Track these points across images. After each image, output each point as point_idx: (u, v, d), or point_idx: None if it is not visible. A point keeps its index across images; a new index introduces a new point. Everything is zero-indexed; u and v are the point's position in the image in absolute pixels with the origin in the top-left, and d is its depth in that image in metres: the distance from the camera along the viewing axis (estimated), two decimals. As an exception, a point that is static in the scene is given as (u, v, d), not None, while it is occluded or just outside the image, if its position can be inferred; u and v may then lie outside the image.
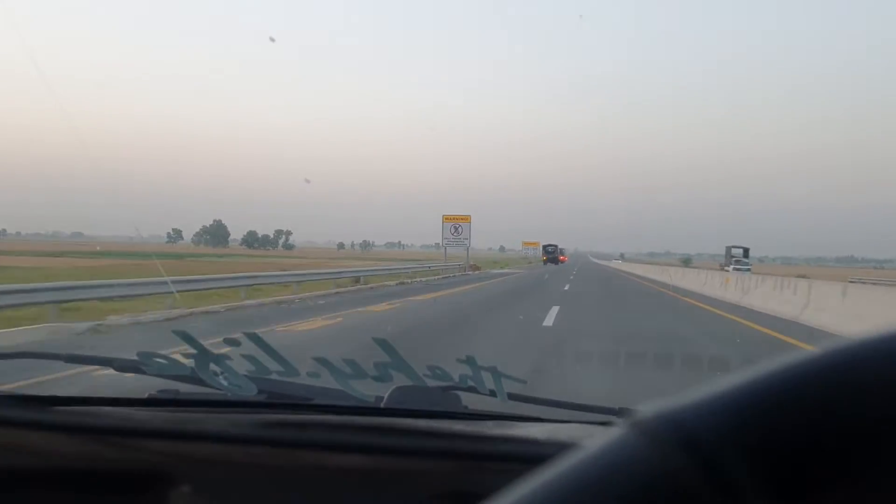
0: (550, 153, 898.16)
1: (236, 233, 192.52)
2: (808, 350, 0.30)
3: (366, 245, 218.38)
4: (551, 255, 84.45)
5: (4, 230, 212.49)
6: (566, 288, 23.45)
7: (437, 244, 44.33)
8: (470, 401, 1.25)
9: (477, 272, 39.65)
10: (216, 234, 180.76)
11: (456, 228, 42.85)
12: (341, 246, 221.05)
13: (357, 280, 22.69)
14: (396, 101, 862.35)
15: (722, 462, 0.28)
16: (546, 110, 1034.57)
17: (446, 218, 43.67)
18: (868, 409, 0.28)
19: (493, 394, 1.21)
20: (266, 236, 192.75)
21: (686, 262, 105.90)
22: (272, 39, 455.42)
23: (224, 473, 1.03)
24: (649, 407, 0.29)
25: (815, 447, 0.28)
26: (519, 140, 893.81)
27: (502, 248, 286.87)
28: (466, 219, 43.18)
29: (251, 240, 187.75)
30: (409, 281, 25.85)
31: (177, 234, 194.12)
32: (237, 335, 1.20)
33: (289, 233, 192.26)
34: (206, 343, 1.13)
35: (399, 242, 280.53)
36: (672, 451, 0.28)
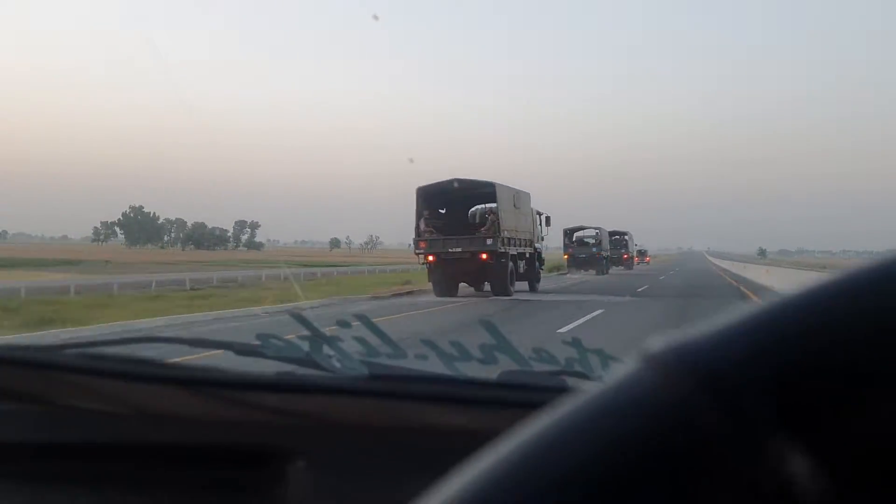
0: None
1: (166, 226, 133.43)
2: (820, 277, 0.28)
3: (373, 243, 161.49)
4: (586, 249, 40.53)
5: None
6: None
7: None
8: (578, 386, 1.22)
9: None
10: (134, 227, 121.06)
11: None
12: (335, 243, 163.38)
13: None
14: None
15: (733, 392, 0.27)
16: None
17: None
18: (887, 335, 0.26)
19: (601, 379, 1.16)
20: (219, 230, 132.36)
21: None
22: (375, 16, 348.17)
23: (334, 436, 1.10)
24: (661, 340, 0.29)
25: (831, 377, 0.26)
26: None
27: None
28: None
29: (197, 235, 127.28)
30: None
31: (108, 230, 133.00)
32: (348, 318, 1.27)
33: (255, 225, 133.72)
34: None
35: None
36: (682, 382, 0.27)
